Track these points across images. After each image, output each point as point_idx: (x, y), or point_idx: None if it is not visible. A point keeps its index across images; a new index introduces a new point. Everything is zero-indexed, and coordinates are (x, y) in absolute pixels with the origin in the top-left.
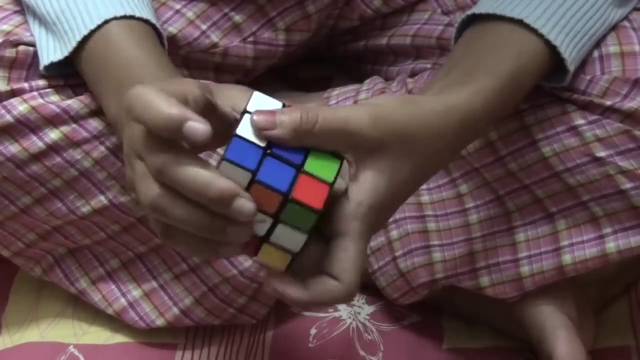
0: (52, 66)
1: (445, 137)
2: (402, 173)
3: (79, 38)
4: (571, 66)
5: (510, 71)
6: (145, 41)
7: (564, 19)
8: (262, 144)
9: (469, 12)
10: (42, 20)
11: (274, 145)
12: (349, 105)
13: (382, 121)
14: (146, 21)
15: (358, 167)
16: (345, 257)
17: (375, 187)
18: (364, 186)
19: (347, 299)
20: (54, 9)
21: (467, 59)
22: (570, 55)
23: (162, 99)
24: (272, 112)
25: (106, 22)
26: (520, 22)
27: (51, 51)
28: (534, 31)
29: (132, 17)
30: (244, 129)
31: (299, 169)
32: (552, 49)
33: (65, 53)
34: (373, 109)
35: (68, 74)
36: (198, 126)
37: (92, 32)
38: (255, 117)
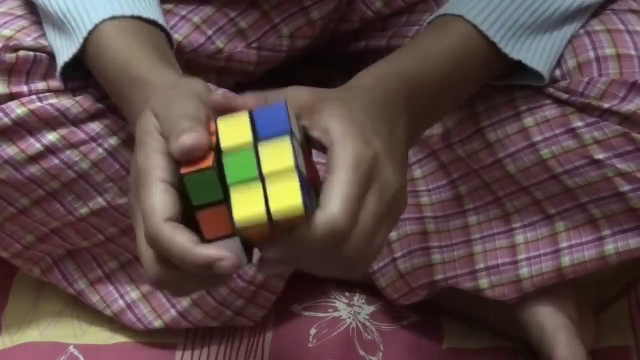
0: (69, 70)
1: (365, 92)
2: (356, 113)
3: (81, 40)
4: (520, 55)
5: (423, 43)
6: (137, 39)
7: (505, 14)
8: None
9: (429, 19)
10: (54, 22)
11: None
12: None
13: (318, 90)
14: (149, 21)
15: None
16: (330, 185)
17: (336, 127)
18: (325, 130)
19: (328, 227)
20: (61, 7)
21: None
22: (514, 47)
23: (184, 239)
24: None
25: (103, 21)
26: (461, 18)
27: (63, 52)
28: (474, 26)
29: (131, 17)
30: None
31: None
32: (490, 41)
33: (73, 53)
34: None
35: (84, 76)
36: (226, 265)
37: (89, 34)
38: (212, 97)
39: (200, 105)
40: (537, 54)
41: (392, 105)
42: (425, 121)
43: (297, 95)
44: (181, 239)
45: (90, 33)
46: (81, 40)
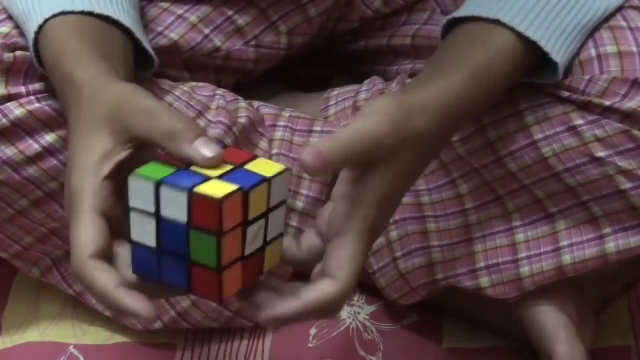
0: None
1: (430, 133)
2: (401, 173)
3: (32, 36)
4: (558, 57)
5: (479, 62)
6: (76, 34)
7: (543, 14)
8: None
9: (449, 17)
10: (18, 22)
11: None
12: (364, 120)
13: (396, 126)
14: (102, 17)
15: (362, 171)
16: (341, 254)
17: (376, 189)
18: (366, 188)
19: (342, 298)
20: (19, 8)
21: (439, 56)
22: (553, 47)
23: (104, 280)
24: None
25: (53, 16)
26: (497, 22)
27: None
28: (510, 29)
29: (81, 13)
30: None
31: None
32: (531, 45)
33: (30, 44)
34: (386, 115)
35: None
36: (138, 319)
37: (39, 29)
38: (304, 159)
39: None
40: (565, 56)
41: (439, 148)
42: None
43: (381, 145)
44: (101, 281)
45: (41, 29)
46: (32, 37)
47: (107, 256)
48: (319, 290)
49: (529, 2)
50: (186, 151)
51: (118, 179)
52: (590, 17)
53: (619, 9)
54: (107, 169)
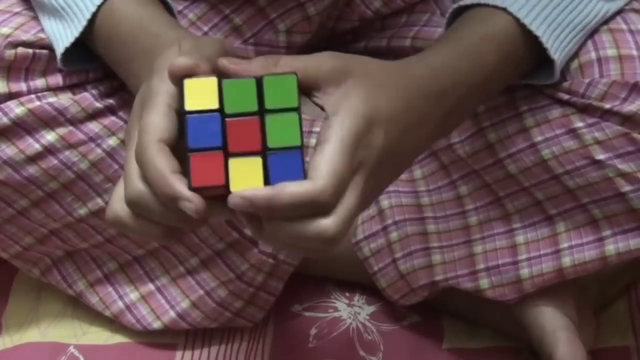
0: (70, 57)
1: (413, 79)
2: (380, 97)
3: (88, 15)
4: (555, 55)
5: (474, 34)
6: (147, 7)
7: (546, 10)
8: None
9: (455, 5)
10: (51, 11)
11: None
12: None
13: (351, 57)
14: None
15: (334, 93)
16: (317, 159)
17: (350, 101)
18: (338, 101)
19: (315, 198)
20: None
21: (442, 36)
22: (552, 45)
23: (164, 163)
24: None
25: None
26: (503, 10)
27: (64, 38)
28: (515, 19)
29: None
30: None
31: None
32: (531, 40)
33: (76, 34)
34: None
35: (85, 67)
36: (189, 207)
37: (98, 9)
38: (220, 61)
39: (219, 49)
40: (562, 55)
41: (430, 107)
42: (456, 122)
43: (319, 65)
44: (161, 162)
45: (101, 8)
46: (87, 18)
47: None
48: (292, 185)
49: None
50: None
51: None
52: (590, 18)
53: (619, 12)
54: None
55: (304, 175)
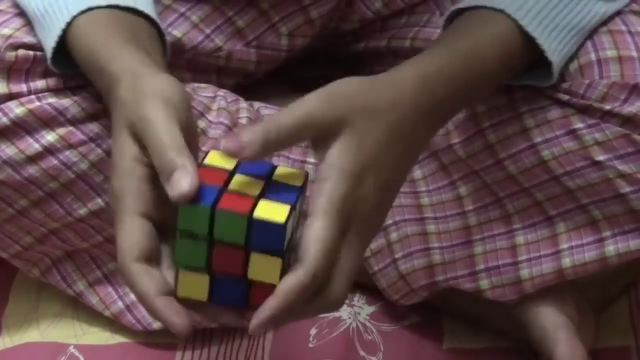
0: (60, 60)
1: (404, 103)
2: (370, 145)
3: (58, 33)
4: (553, 56)
5: (468, 39)
6: (106, 27)
7: (544, 12)
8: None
9: (454, 7)
10: (33, 19)
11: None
12: (302, 100)
13: (338, 100)
14: (127, 8)
15: (325, 150)
16: (306, 235)
17: (337, 163)
18: (329, 163)
19: (311, 281)
20: (38, 4)
21: (438, 40)
22: (550, 46)
23: (147, 286)
24: (238, 138)
25: (81, 12)
26: (501, 12)
27: (47, 48)
28: (512, 20)
29: (107, 7)
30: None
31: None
32: (528, 41)
33: (51, 48)
34: (325, 91)
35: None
36: (174, 330)
37: (67, 26)
38: (223, 145)
39: (174, 119)
40: (559, 56)
41: (425, 121)
42: (445, 121)
43: (312, 113)
44: (144, 287)
45: (68, 26)
46: (58, 33)
47: (153, 257)
48: (290, 278)
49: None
50: (164, 185)
51: (156, 179)
52: (588, 19)
53: (618, 13)
54: (140, 171)
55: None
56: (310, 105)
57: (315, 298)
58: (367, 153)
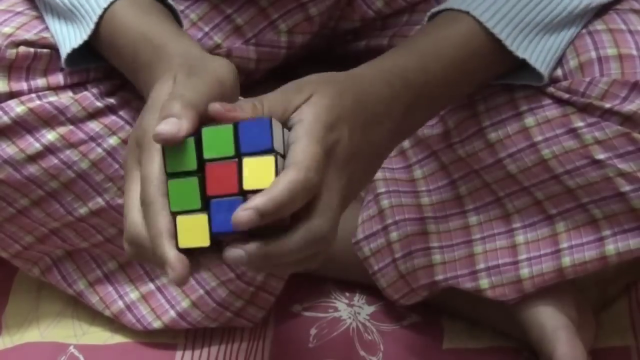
0: (74, 56)
1: (364, 85)
2: (338, 105)
3: (94, 21)
4: (525, 54)
5: (429, 38)
6: (150, 16)
7: (512, 12)
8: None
9: (429, 12)
10: (59, 12)
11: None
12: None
13: (305, 82)
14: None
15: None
16: (294, 149)
17: (313, 113)
18: (301, 117)
19: (304, 179)
20: None
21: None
22: (520, 45)
23: (163, 225)
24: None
25: (115, 1)
26: (467, 14)
27: (73, 39)
28: (478, 23)
29: None
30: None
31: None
32: (495, 39)
33: (85, 36)
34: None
35: (88, 65)
36: (170, 275)
37: (103, 14)
38: (210, 106)
39: (211, 90)
40: (541, 54)
41: (385, 109)
42: (416, 124)
43: (289, 92)
44: (162, 222)
45: (104, 13)
46: (94, 21)
47: None
48: (280, 175)
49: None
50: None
51: None
52: (560, 11)
53: (617, 12)
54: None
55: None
56: (279, 90)
57: (298, 225)
58: (337, 107)
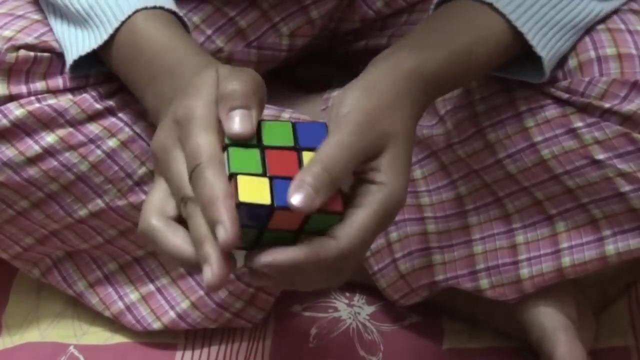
0: (80, 64)
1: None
2: (404, 155)
3: (110, 30)
4: (543, 52)
5: (464, 39)
6: (172, 29)
7: (534, 8)
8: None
9: None
10: (68, 17)
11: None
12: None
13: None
14: (171, 12)
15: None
16: (353, 221)
17: (391, 183)
18: (387, 177)
19: (339, 255)
20: (83, 5)
21: (428, 26)
22: (539, 42)
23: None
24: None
25: (136, 11)
26: (489, 5)
27: (81, 45)
28: (501, 15)
29: (160, 8)
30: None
31: None
32: (517, 35)
33: (100, 42)
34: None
35: (89, 71)
36: (206, 275)
37: (121, 25)
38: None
39: (255, 81)
40: (550, 53)
41: (413, 97)
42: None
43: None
44: (219, 185)
45: (122, 24)
46: (111, 31)
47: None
48: (316, 242)
49: None
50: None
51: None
52: (582, 17)
53: (616, 12)
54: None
55: None
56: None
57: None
58: (404, 163)
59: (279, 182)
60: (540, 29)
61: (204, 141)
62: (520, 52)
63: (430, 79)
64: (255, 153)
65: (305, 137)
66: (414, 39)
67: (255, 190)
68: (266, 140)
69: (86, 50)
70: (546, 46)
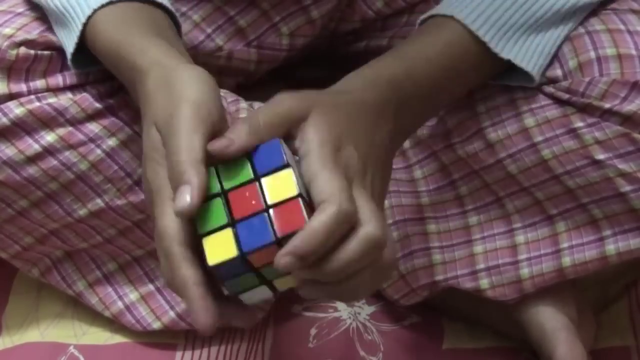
0: (79, 61)
1: (355, 94)
2: (338, 120)
3: (77, 32)
4: (510, 55)
5: (416, 45)
6: (128, 21)
7: (495, 14)
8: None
9: (419, 19)
10: (54, 16)
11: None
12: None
13: (305, 94)
14: (147, 1)
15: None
16: (317, 184)
17: (317, 134)
18: (307, 138)
19: (341, 212)
20: (57, 2)
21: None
22: (505, 46)
23: (189, 273)
24: (226, 139)
25: (101, 7)
26: (451, 18)
27: (67, 46)
28: (462, 25)
29: (127, 0)
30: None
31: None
32: (481, 41)
33: (73, 45)
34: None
35: (94, 68)
36: (197, 325)
37: (87, 21)
38: (209, 147)
39: (200, 125)
40: (527, 54)
41: (379, 113)
42: (413, 124)
43: (285, 104)
44: (188, 272)
45: (88, 21)
46: (78, 30)
47: (192, 244)
48: (317, 217)
49: (482, 3)
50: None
51: None
52: (544, 11)
53: (616, 12)
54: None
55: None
56: (279, 98)
57: (351, 233)
58: (336, 127)
59: (242, 226)
60: (505, 33)
61: (167, 225)
62: (495, 60)
63: (384, 75)
64: (218, 202)
65: (262, 162)
66: (380, 64)
67: (221, 247)
68: (226, 184)
69: (70, 50)
70: (513, 49)
